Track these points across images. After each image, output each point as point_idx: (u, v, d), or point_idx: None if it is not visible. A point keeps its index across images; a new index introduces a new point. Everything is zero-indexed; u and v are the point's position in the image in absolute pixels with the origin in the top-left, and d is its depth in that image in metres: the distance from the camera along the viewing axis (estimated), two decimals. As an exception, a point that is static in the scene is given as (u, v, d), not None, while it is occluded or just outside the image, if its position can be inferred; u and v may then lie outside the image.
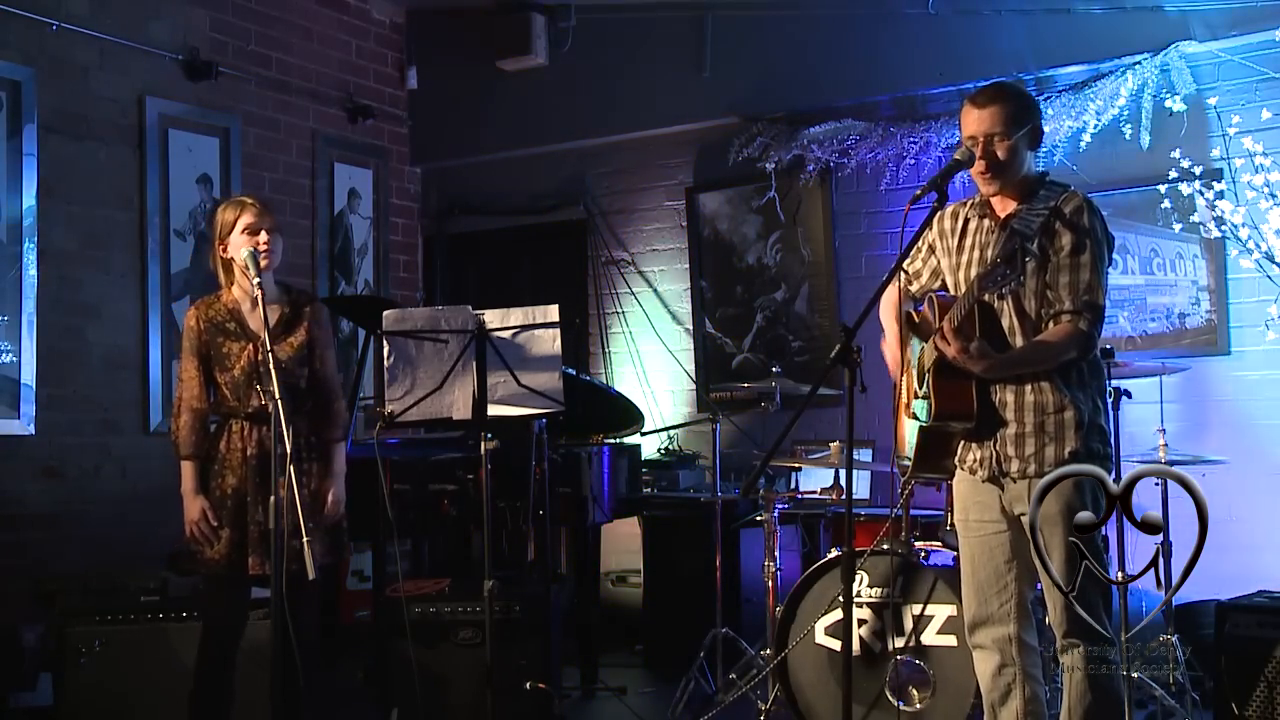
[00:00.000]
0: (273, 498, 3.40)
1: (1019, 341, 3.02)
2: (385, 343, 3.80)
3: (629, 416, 5.67)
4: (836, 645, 4.06)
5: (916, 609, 3.98)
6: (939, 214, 3.17)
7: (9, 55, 5.22)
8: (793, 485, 5.56)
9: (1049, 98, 5.32)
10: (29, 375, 5.19)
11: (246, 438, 3.74)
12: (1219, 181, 4.89)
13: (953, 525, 3.31)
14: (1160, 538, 3.53)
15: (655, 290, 6.67)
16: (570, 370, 4.84)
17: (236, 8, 6.24)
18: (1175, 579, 2.70)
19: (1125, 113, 5.16)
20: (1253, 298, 4.96)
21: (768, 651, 4.42)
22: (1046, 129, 5.14)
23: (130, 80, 5.72)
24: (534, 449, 4.57)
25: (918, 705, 3.92)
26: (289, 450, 3.33)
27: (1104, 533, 3.08)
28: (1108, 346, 4.12)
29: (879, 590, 4.08)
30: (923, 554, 4.12)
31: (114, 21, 5.64)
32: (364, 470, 4.17)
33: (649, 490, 5.96)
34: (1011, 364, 3.00)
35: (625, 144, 6.70)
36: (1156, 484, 4.13)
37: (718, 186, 6.42)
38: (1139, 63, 5.14)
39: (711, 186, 6.45)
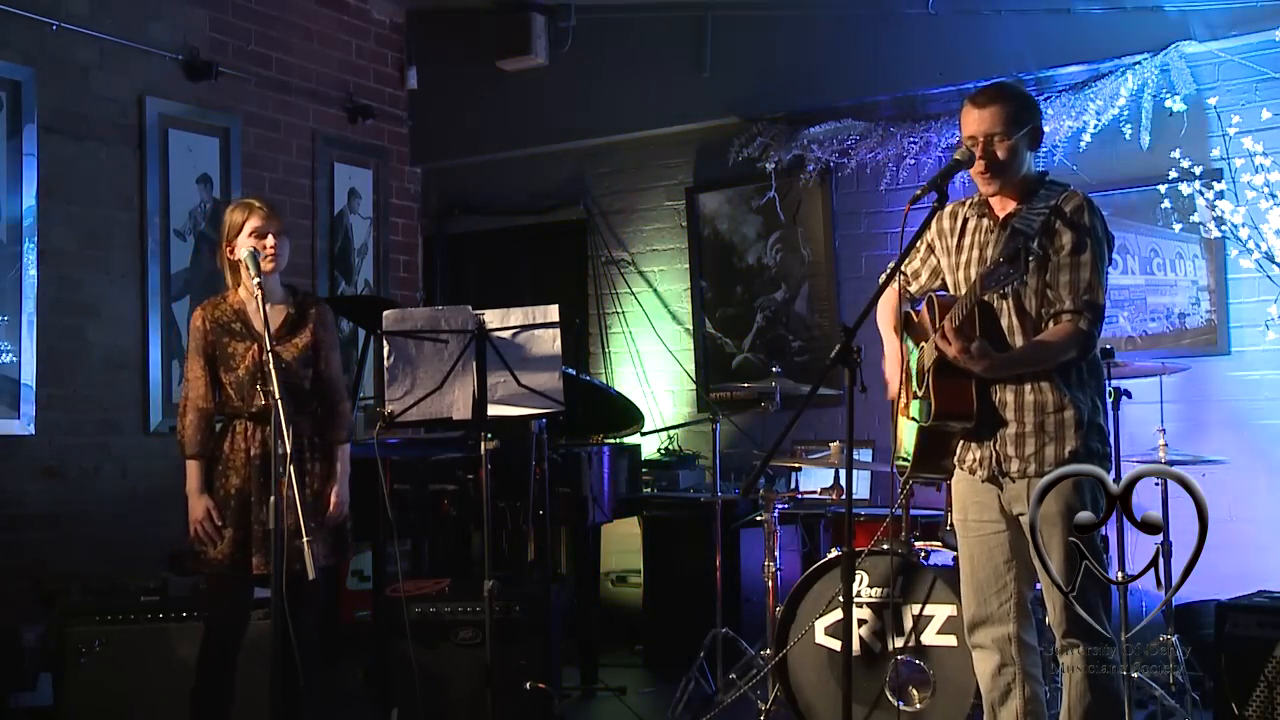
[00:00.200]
0: (273, 498, 3.40)
1: (1019, 341, 3.02)
2: (385, 343, 3.81)
3: (629, 416, 5.67)
4: (836, 645, 4.06)
5: (916, 609, 3.98)
6: (938, 214, 3.17)
7: (9, 55, 5.22)
8: (793, 485, 5.56)
9: (1049, 98, 5.32)
10: (29, 375, 5.19)
11: (250, 438, 3.75)
12: (1219, 181, 4.89)
13: (952, 525, 3.31)
14: (1160, 538, 3.53)
15: (655, 290, 6.67)
16: (570, 370, 4.84)
17: (236, 8, 6.24)
18: (1175, 579, 2.69)
19: (1125, 113, 5.16)
20: (1253, 298, 4.96)
21: (768, 651, 4.42)
22: (1046, 129, 5.13)
23: (130, 80, 5.72)
24: (534, 449, 4.57)
25: (918, 705, 3.92)
26: (289, 450, 3.34)
27: (1104, 533, 3.08)
28: (1108, 346, 4.12)
29: (879, 590, 4.08)
30: (923, 554, 4.12)
31: (114, 21, 5.64)
32: (364, 470, 4.17)
33: (649, 490, 5.97)
34: (1011, 364, 3.00)
35: (625, 144, 6.70)
36: (1156, 484, 4.13)
37: (718, 186, 6.42)
38: (1139, 63, 5.14)
39: (711, 186, 6.45)
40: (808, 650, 4.15)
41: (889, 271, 2.96)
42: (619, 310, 6.77)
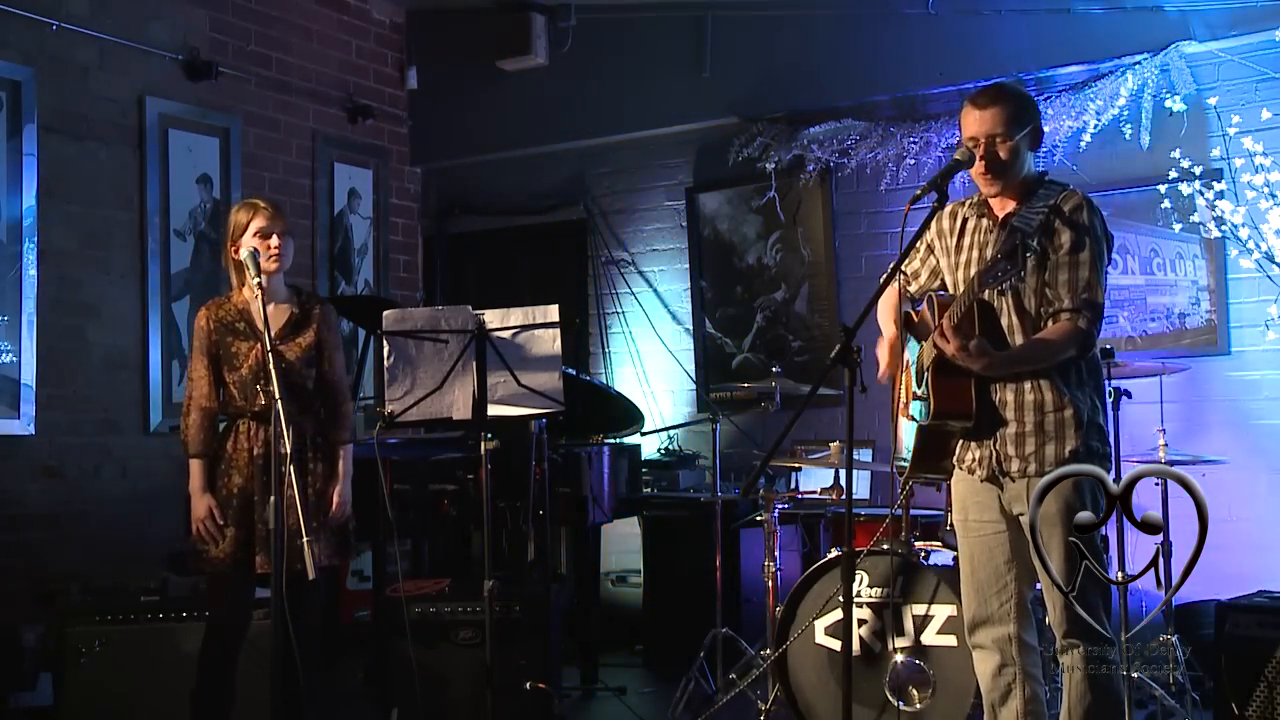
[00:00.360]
0: (272, 497, 3.40)
1: (1018, 340, 3.01)
2: (385, 343, 3.81)
3: (629, 416, 5.67)
4: (836, 645, 4.06)
5: (916, 609, 3.98)
6: (938, 214, 3.17)
7: (9, 55, 5.22)
8: (793, 485, 5.56)
9: (1049, 98, 5.32)
10: (29, 375, 5.19)
11: (253, 437, 3.75)
12: (1219, 181, 4.89)
13: (952, 525, 3.31)
14: (1160, 538, 3.53)
15: (655, 290, 6.67)
16: (570, 370, 4.84)
17: (236, 8, 6.24)
18: (1175, 579, 2.69)
19: (1125, 113, 5.16)
20: (1253, 298, 4.96)
21: (768, 651, 4.42)
22: (1046, 129, 5.13)
23: (130, 80, 5.72)
24: (534, 449, 4.57)
25: (918, 705, 3.92)
26: (289, 450, 3.35)
27: (1104, 532, 3.08)
28: (1108, 346, 4.13)
29: (879, 590, 4.08)
30: (923, 554, 4.12)
31: (114, 21, 5.65)
32: (364, 470, 4.17)
33: (649, 490, 5.97)
34: (1011, 362, 3.00)
35: (625, 144, 6.70)
36: (1156, 484, 4.13)
37: (718, 186, 6.42)
38: (1139, 63, 5.14)
39: (711, 186, 6.45)
40: (808, 650, 4.15)
41: (889, 271, 2.96)
42: (619, 310, 6.77)
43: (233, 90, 6.20)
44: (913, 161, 5.71)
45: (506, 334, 3.88)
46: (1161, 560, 2.72)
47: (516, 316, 3.90)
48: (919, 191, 2.96)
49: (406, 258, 7.28)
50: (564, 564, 6.45)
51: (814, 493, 4.94)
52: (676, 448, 6.31)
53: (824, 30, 5.98)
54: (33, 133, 5.26)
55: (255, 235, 3.77)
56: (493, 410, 3.89)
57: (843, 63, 5.97)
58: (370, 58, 7.04)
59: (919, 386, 3.20)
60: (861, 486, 5.71)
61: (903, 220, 2.91)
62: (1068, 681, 2.99)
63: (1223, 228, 4.86)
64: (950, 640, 3.89)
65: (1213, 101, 5.00)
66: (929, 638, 3.94)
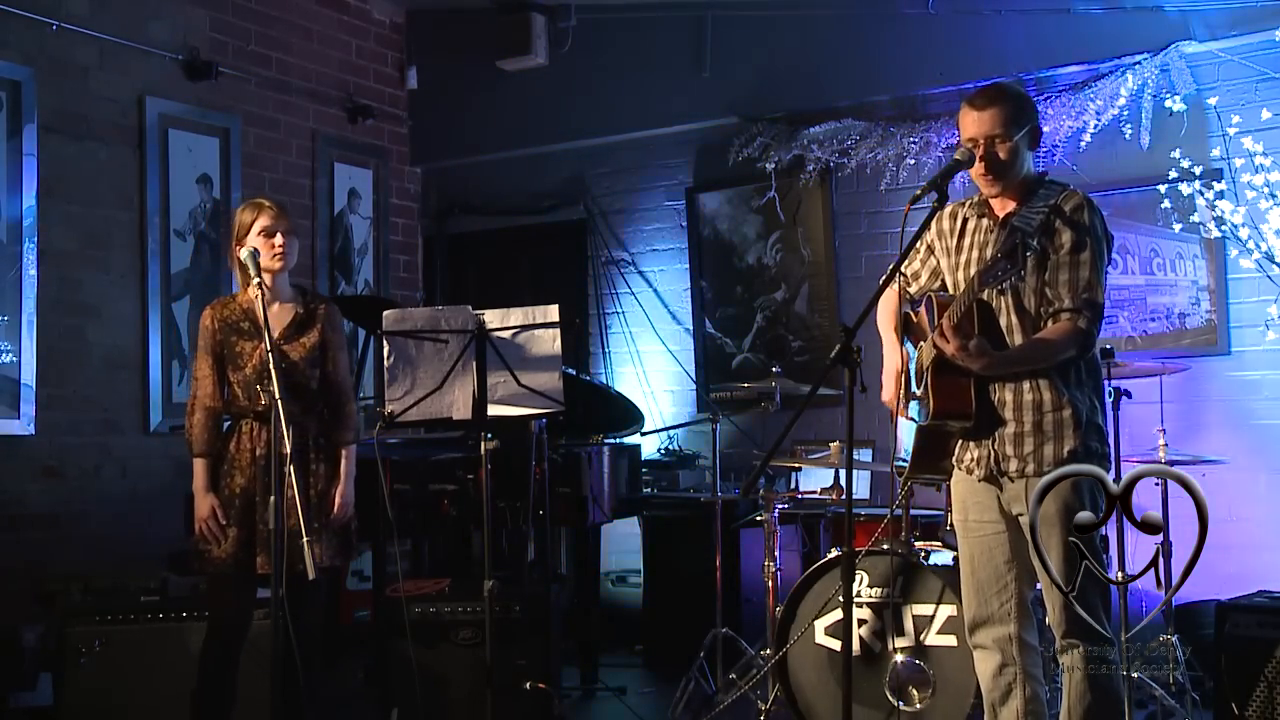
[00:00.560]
0: (272, 497, 3.40)
1: (1018, 340, 3.01)
2: (385, 343, 3.81)
3: (629, 416, 5.67)
4: (836, 645, 4.06)
5: (916, 609, 3.98)
6: (938, 214, 3.17)
7: (9, 55, 5.22)
8: (793, 485, 5.56)
9: (1049, 98, 5.32)
10: (29, 375, 5.19)
11: (256, 437, 3.75)
12: (1219, 181, 4.89)
13: (952, 525, 3.31)
14: (1160, 538, 3.53)
15: (655, 290, 6.67)
16: (570, 370, 4.84)
17: (236, 8, 6.24)
18: (1175, 579, 2.69)
19: (1125, 113, 5.16)
20: (1253, 298, 4.96)
21: (768, 651, 4.42)
22: (1046, 129, 5.20)
23: (130, 80, 5.73)
24: (534, 449, 4.57)
25: (918, 705, 3.92)
26: (289, 450, 3.35)
27: (1104, 532, 3.08)
28: (1108, 346, 4.13)
29: (879, 590, 4.08)
30: (923, 554, 4.12)
31: (114, 21, 5.65)
32: (364, 470, 4.16)
33: (649, 490, 5.97)
34: (1010, 362, 3.00)
35: (625, 144, 6.70)
36: (1156, 484, 4.13)
37: (718, 186, 6.42)
38: (1139, 63, 5.14)
39: (711, 186, 6.45)
40: (808, 650, 4.15)
41: (889, 271, 2.96)
42: (619, 310, 6.77)
43: (233, 90, 6.20)
44: (913, 161, 5.71)
45: (506, 334, 3.88)
46: (1161, 560, 2.72)
47: (516, 316, 3.90)
48: (919, 191, 2.96)
49: (406, 258, 7.28)
50: (564, 564, 6.45)
51: (814, 493, 4.94)
52: (676, 448, 6.31)
53: (824, 30, 5.98)
54: (33, 133, 5.26)
55: (260, 234, 3.77)
56: (493, 410, 3.89)
57: (843, 63, 5.97)
58: (370, 58, 7.04)
59: (918, 387, 3.20)
60: (861, 486, 5.70)
61: (903, 220, 2.91)
62: (1067, 681, 2.99)
63: (1223, 228, 4.86)
64: (950, 640, 3.89)
65: (1213, 101, 5.00)
66: (929, 638, 3.94)
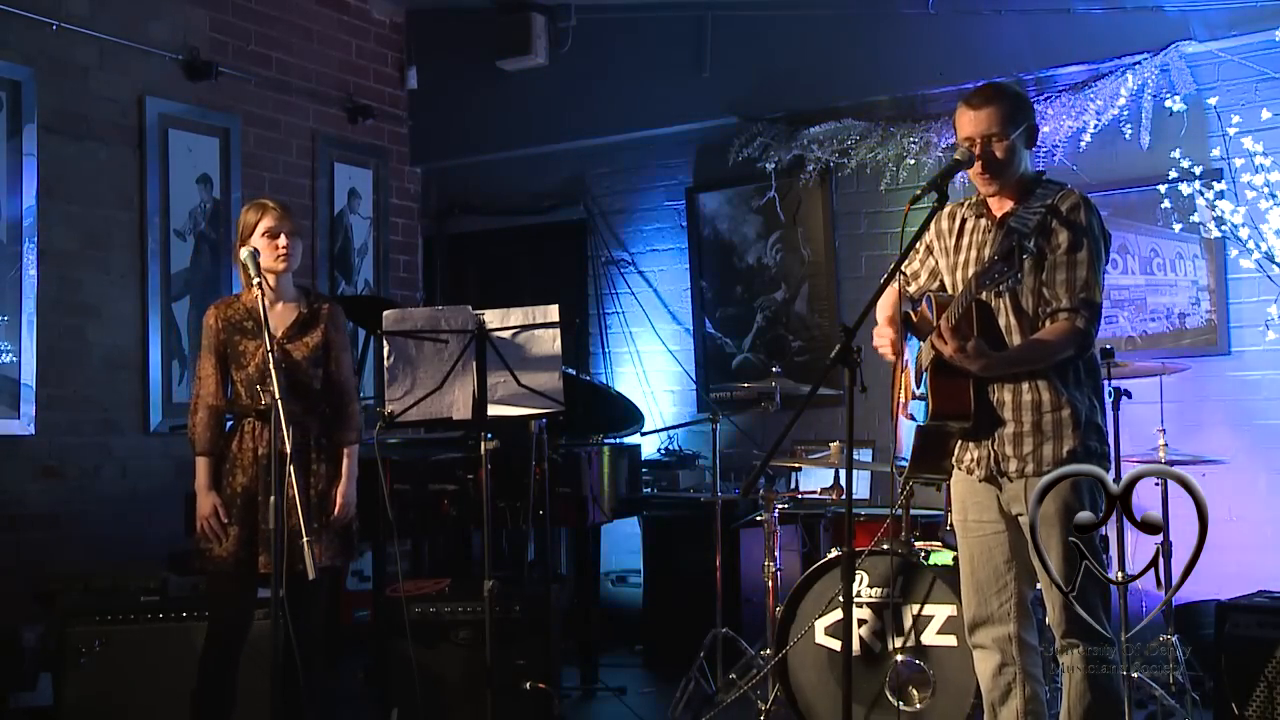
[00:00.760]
0: (272, 497, 3.40)
1: (1016, 340, 3.01)
2: (385, 343, 3.81)
3: (629, 416, 5.67)
4: (836, 645, 4.06)
5: (916, 609, 3.98)
6: (937, 214, 3.17)
7: (9, 55, 5.22)
8: (793, 485, 5.56)
9: (1049, 98, 5.32)
10: (29, 375, 5.19)
11: (258, 436, 3.76)
12: (1219, 181, 4.89)
13: (952, 525, 3.31)
14: (1160, 538, 3.53)
15: (655, 290, 6.67)
16: (570, 370, 4.84)
17: (236, 8, 6.24)
18: (1175, 579, 2.69)
19: (1125, 113, 5.16)
20: (1253, 298, 4.96)
21: (768, 651, 4.42)
22: (1046, 129, 5.21)
23: (130, 80, 5.73)
24: (534, 449, 4.57)
25: (918, 705, 3.92)
26: (289, 450, 3.35)
27: (1103, 532, 3.08)
28: (1108, 346, 4.13)
29: (879, 590, 4.08)
30: (923, 554, 4.12)
31: (114, 21, 5.65)
32: (364, 470, 4.16)
33: (649, 490, 5.97)
34: (1008, 362, 3.00)
35: (625, 144, 6.70)
36: (1156, 484, 4.13)
37: (718, 186, 6.42)
38: (1139, 63, 5.14)
39: (711, 186, 6.45)
40: (808, 650, 4.15)
41: (889, 271, 2.95)
42: (619, 310, 6.77)
43: (233, 90, 6.20)
44: (913, 161, 5.71)
45: (506, 334, 3.88)
46: (1161, 560, 2.72)
47: (516, 316, 3.90)
48: (919, 191, 2.96)
49: (406, 258, 7.28)
50: (564, 564, 6.45)
51: (814, 493, 4.94)
52: (676, 448, 6.31)
53: (824, 30, 5.98)
54: (33, 133, 5.26)
55: (263, 235, 3.78)
56: (493, 410, 3.89)
57: (843, 63, 5.97)
58: (370, 58, 7.04)
59: (918, 387, 3.20)
60: (861, 486, 5.70)
61: (903, 220, 2.92)
62: (1067, 681, 2.99)
63: (1223, 228, 4.86)
64: (950, 640, 3.89)
65: (1213, 101, 5.00)
66: (929, 638, 3.94)
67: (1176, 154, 4.87)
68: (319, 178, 6.68)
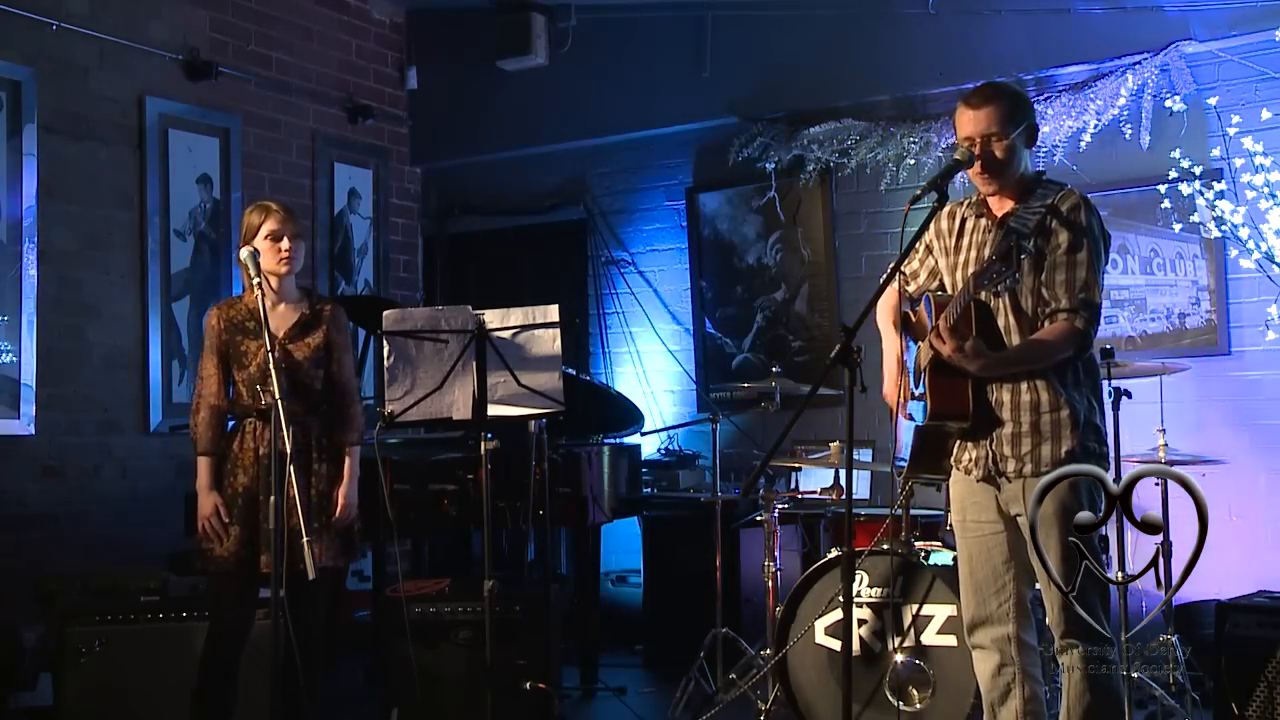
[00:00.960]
0: (272, 497, 3.41)
1: (1015, 340, 3.01)
2: (385, 343, 3.81)
3: (629, 416, 5.67)
4: (836, 645, 4.06)
5: (916, 609, 3.98)
6: (937, 214, 3.17)
7: (9, 55, 5.22)
8: (793, 485, 5.56)
9: (1049, 98, 5.32)
10: (29, 375, 5.19)
11: (259, 436, 3.76)
12: (1219, 181, 4.89)
13: (952, 525, 3.31)
14: (1160, 538, 3.53)
15: (655, 290, 6.67)
16: (570, 370, 4.84)
17: (236, 8, 6.24)
18: (1175, 579, 2.69)
19: (1125, 113, 5.16)
20: (1253, 298, 4.96)
21: (768, 651, 4.42)
22: (1046, 129, 5.21)
23: (130, 80, 5.73)
24: (534, 449, 4.57)
25: (918, 705, 3.92)
26: (289, 450, 3.35)
27: (1103, 532, 3.08)
28: (1108, 346, 4.13)
29: (879, 590, 4.08)
30: (923, 554, 4.12)
31: (114, 21, 5.65)
32: (364, 470, 4.17)
33: (649, 490, 5.97)
34: (1007, 363, 2.99)
35: (625, 144, 6.70)
36: (1156, 484, 4.13)
37: (718, 186, 6.42)
38: (1139, 63, 5.14)
39: (711, 186, 6.45)
40: (808, 650, 4.15)
41: (889, 271, 2.95)
42: (619, 310, 6.77)
43: (233, 90, 6.20)
44: (913, 161, 5.71)
45: (506, 334, 3.88)
46: (1161, 560, 2.71)
47: (516, 316, 3.90)
48: (919, 191, 2.96)
49: (406, 258, 7.28)
50: (564, 564, 6.45)
51: (814, 493, 4.94)
52: (676, 448, 6.31)
53: (824, 30, 5.98)
54: (33, 133, 5.26)
55: (266, 238, 3.78)
56: (493, 410, 3.89)
57: (843, 63, 5.97)
58: (370, 58, 7.04)
59: (917, 387, 3.19)
60: (861, 486, 5.70)
61: (903, 220, 2.92)
62: (1067, 681, 2.99)
63: (1223, 228, 4.85)
64: (950, 640, 3.89)
65: (1213, 101, 5.00)
66: (929, 638, 3.94)
67: (1176, 154, 4.87)
68: (319, 178, 6.68)
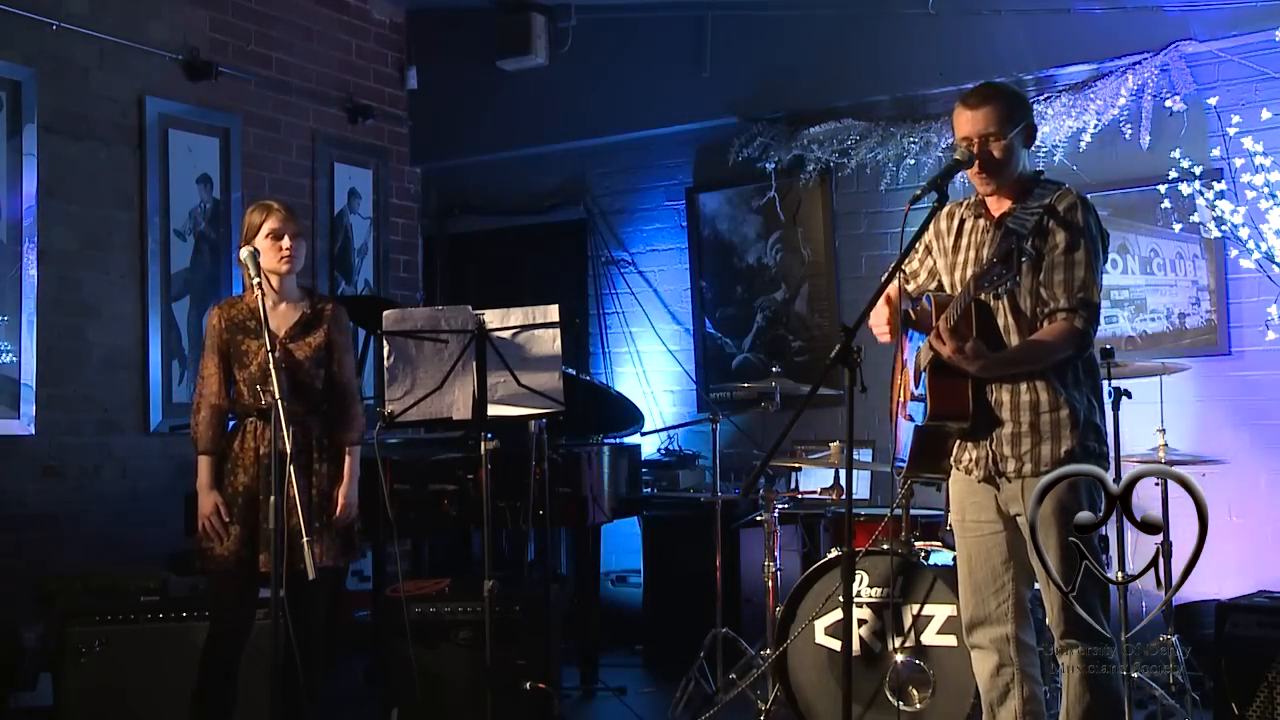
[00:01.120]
0: (272, 497, 3.41)
1: (1014, 340, 3.01)
2: (385, 343, 3.81)
3: (629, 416, 5.67)
4: (836, 645, 4.06)
5: (916, 609, 3.98)
6: (936, 214, 3.17)
7: (9, 55, 5.22)
8: (793, 485, 5.56)
9: (1049, 98, 5.32)
10: (29, 375, 5.19)
11: (260, 436, 3.76)
12: (1219, 181, 4.89)
13: (951, 525, 3.31)
14: (1160, 538, 3.53)
15: (655, 290, 6.67)
16: (570, 370, 4.84)
17: (236, 8, 6.24)
18: (1175, 579, 2.69)
19: (1125, 113, 5.16)
20: (1253, 298, 4.96)
21: (768, 651, 4.42)
22: (1046, 129, 5.21)
23: (130, 80, 5.73)
24: (534, 449, 4.57)
25: (918, 705, 3.92)
26: (289, 450, 3.36)
27: (1103, 532, 3.08)
28: (1108, 346, 4.13)
29: (879, 590, 4.08)
30: (923, 554, 4.12)
31: (114, 21, 5.65)
32: (364, 470, 4.17)
33: (649, 490, 5.97)
34: (1006, 363, 2.99)
35: (625, 144, 6.70)
36: (1156, 484, 4.13)
37: (718, 186, 6.42)
38: (1139, 63, 5.14)
39: (711, 186, 6.45)
40: (808, 650, 4.15)
41: (889, 271, 2.95)
42: (619, 310, 6.77)
43: (233, 90, 6.20)
44: (913, 161, 5.71)
45: (506, 334, 3.88)
46: (1161, 560, 2.71)
47: (516, 316, 3.90)
48: (919, 191, 2.96)
49: (406, 258, 7.28)
50: (564, 564, 6.45)
51: (814, 493, 4.94)
52: (676, 448, 6.31)
53: (824, 30, 5.97)
54: (33, 133, 5.26)
55: (267, 237, 3.78)
56: (493, 410, 3.89)
57: (843, 63, 5.96)
58: (370, 58, 7.04)
59: (916, 387, 3.19)
60: (861, 486, 5.70)
61: (903, 220, 2.92)
62: (1066, 681, 2.99)
63: (1223, 228, 4.85)
64: (950, 640, 3.89)
65: (1213, 101, 5.00)
66: (929, 638, 3.94)
67: (1176, 154, 4.87)
68: (319, 178, 6.68)
